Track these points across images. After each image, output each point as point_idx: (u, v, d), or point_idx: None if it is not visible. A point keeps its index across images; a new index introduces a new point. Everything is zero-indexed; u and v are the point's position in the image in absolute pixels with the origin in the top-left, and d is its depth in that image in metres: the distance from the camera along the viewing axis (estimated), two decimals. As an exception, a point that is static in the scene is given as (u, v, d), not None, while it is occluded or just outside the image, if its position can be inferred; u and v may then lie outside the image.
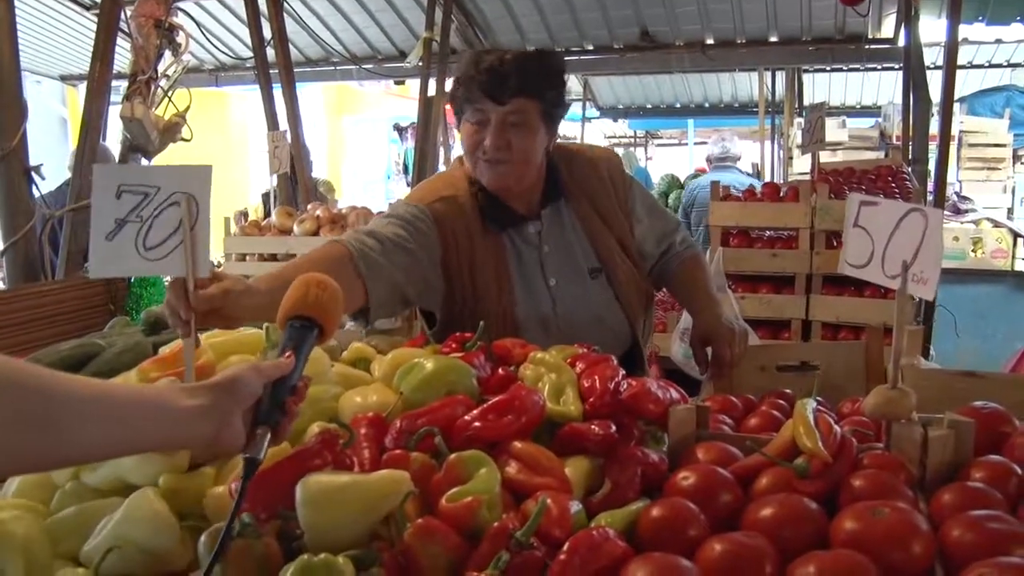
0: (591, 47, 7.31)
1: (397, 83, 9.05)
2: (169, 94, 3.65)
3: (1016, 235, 7.24)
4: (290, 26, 6.20)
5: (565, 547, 1.08)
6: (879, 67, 8.58)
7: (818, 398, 1.44)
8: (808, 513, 1.20)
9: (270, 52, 5.55)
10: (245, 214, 4.70)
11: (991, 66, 9.50)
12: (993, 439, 1.44)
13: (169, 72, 3.74)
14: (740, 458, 1.40)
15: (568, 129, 14.26)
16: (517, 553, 1.08)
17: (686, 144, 15.04)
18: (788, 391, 1.83)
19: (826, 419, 1.35)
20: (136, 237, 1.49)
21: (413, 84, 7.40)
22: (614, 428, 1.39)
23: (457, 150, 13.22)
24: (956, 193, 7.92)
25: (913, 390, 1.40)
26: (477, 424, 1.33)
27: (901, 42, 5.79)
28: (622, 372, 1.54)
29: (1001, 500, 1.23)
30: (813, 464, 1.28)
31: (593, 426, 1.39)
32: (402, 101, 13.12)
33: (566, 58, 7.58)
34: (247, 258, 4.52)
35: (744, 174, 7.06)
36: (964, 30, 6.89)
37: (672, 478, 1.32)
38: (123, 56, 4.04)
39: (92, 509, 1.26)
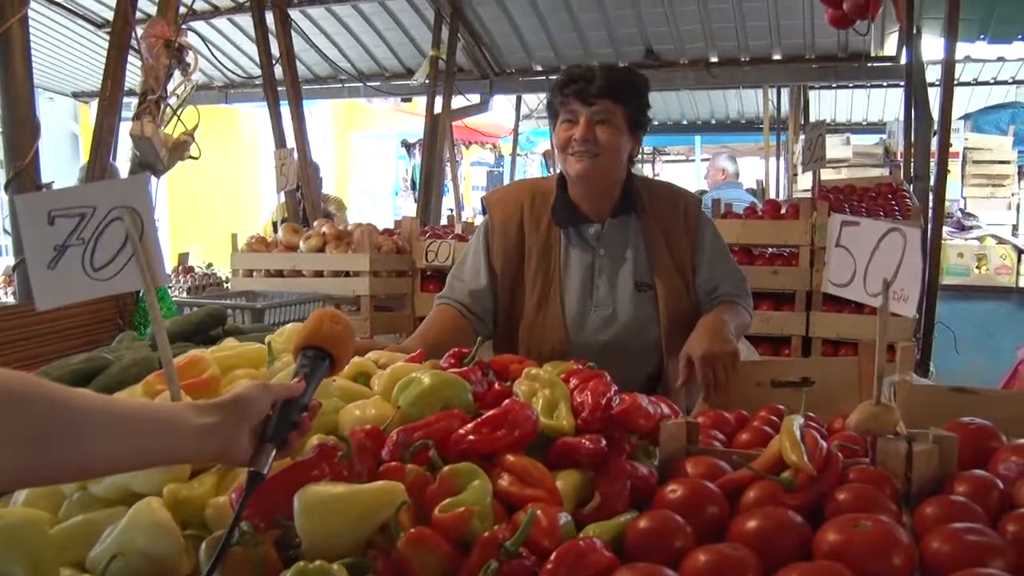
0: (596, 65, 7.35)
1: (404, 100, 9.12)
2: (178, 113, 3.70)
3: (1020, 252, 7.22)
4: (298, 44, 6.28)
5: (552, 556, 1.11)
6: (884, 84, 8.62)
7: (810, 413, 1.47)
8: (792, 525, 1.23)
9: (278, 70, 5.61)
10: (264, 240, 4.75)
11: (996, 83, 9.52)
12: (980, 454, 1.46)
13: (178, 91, 3.80)
14: (729, 472, 1.43)
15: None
16: (506, 562, 1.11)
17: (693, 160, 15.07)
18: (780, 406, 1.85)
19: (812, 434, 1.38)
20: (82, 260, 1.47)
21: (421, 101, 7.46)
22: (605, 442, 1.43)
23: (463, 167, 13.23)
24: (961, 210, 7.92)
25: (905, 406, 1.43)
26: (471, 437, 1.37)
27: (903, 60, 5.83)
28: (614, 388, 1.58)
29: (982, 513, 1.25)
30: (799, 478, 1.32)
31: (584, 440, 1.42)
32: (410, 118, 13.20)
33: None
34: (254, 274, 4.58)
35: (746, 191, 7.19)
36: (966, 48, 6.94)
37: (660, 491, 1.35)
38: (134, 74, 4.11)
39: (98, 518, 1.30)
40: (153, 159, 3.46)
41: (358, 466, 1.32)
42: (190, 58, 3.63)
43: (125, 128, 3.78)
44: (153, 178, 3.90)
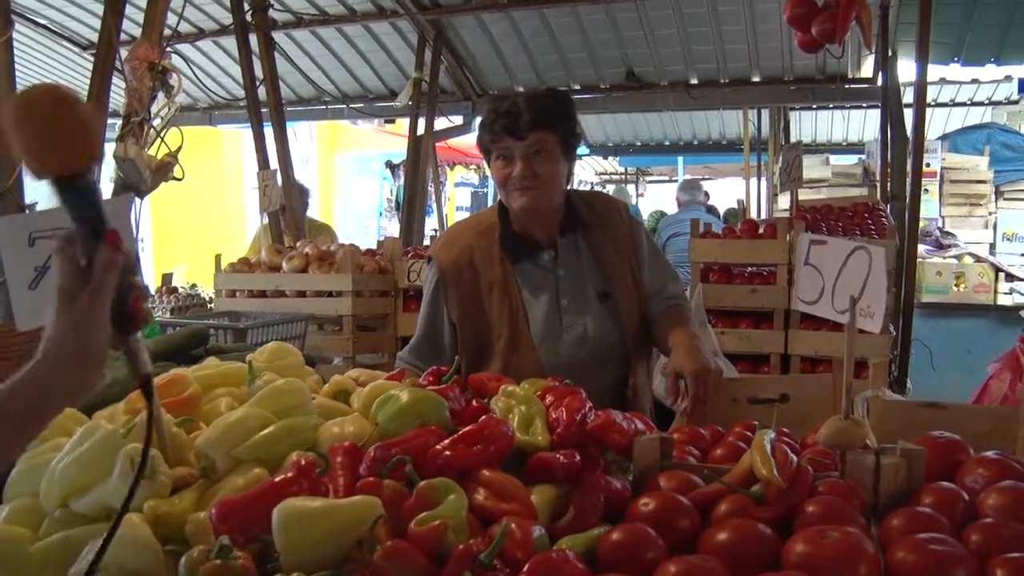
0: (578, 87, 7.43)
1: (388, 122, 9.16)
2: (162, 134, 3.72)
3: (998, 270, 7.30)
4: (282, 66, 6.30)
5: (525, 568, 1.14)
6: (862, 105, 8.72)
7: (784, 429, 1.50)
8: (761, 537, 1.26)
9: (262, 91, 5.64)
10: (247, 261, 4.76)
11: (972, 104, 9.67)
12: (948, 467, 1.49)
13: (162, 113, 3.82)
14: (702, 486, 1.46)
15: (559, 166, 14.38)
16: (480, 574, 1.13)
17: (676, 180, 15.19)
18: (755, 422, 1.87)
19: (783, 448, 1.42)
20: None
21: (405, 122, 7.51)
22: (579, 457, 1.45)
23: (447, 188, 13.26)
24: (939, 229, 8.00)
25: (875, 421, 1.47)
26: (448, 453, 1.39)
27: (879, 82, 5.92)
28: (589, 404, 1.60)
29: (947, 524, 1.28)
30: (769, 491, 1.35)
31: (559, 455, 1.45)
32: (394, 139, 13.23)
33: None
34: (237, 294, 4.59)
35: (707, 214, 7.74)
36: (941, 70, 7.06)
37: (633, 504, 1.37)
38: (119, 95, 4.12)
39: (78, 535, 1.32)
40: (136, 180, 3.48)
41: (336, 482, 1.34)
42: (174, 80, 3.65)
43: (109, 149, 3.80)
44: (137, 199, 3.92)
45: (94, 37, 5.36)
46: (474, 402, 1.70)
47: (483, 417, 1.49)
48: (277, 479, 1.28)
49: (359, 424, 1.57)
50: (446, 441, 1.42)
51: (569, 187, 2.55)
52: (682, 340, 2.38)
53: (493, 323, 2.47)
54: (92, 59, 3.80)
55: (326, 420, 1.61)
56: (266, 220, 6.26)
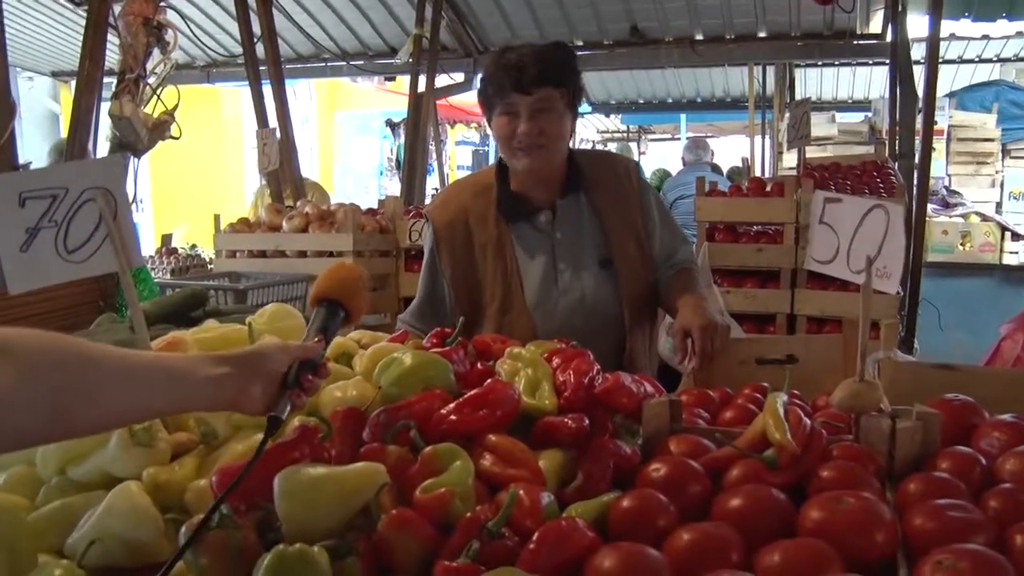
0: (580, 43, 7.32)
1: (388, 79, 9.05)
2: (158, 92, 3.66)
3: (1004, 229, 7.27)
4: (280, 22, 6.21)
5: (534, 537, 1.11)
6: (869, 62, 8.61)
7: (793, 391, 1.46)
8: (775, 503, 1.23)
9: (260, 48, 5.55)
10: (247, 221, 4.72)
11: (980, 61, 9.54)
12: (963, 431, 1.47)
13: (158, 70, 3.75)
14: (712, 450, 1.42)
15: (560, 124, 14.25)
16: (488, 543, 1.10)
17: (679, 139, 15.06)
18: (764, 384, 1.84)
19: (796, 412, 1.38)
20: (55, 242, 1.45)
21: (405, 80, 7.40)
22: (587, 421, 1.42)
23: (448, 147, 13.16)
24: (945, 187, 7.95)
25: (889, 383, 1.43)
26: (453, 418, 1.35)
27: (888, 38, 5.82)
28: (597, 367, 1.57)
29: (964, 490, 1.26)
30: (782, 456, 1.31)
31: (567, 419, 1.41)
32: (395, 97, 13.11)
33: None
34: (237, 254, 4.55)
35: (712, 172, 7.55)
36: (951, 26, 6.94)
37: (643, 470, 1.34)
38: (113, 53, 4.05)
39: (76, 503, 1.29)
40: (133, 139, 3.43)
41: (339, 447, 1.31)
42: (169, 36, 3.59)
43: (105, 108, 3.74)
44: (135, 159, 3.87)
45: (87, -8, 5.27)
46: (479, 365, 1.66)
47: (489, 381, 1.46)
48: (278, 444, 1.25)
49: (361, 388, 1.54)
50: (451, 405, 1.38)
51: (572, 145, 2.48)
52: (688, 300, 2.33)
53: (486, 285, 2.42)
54: (85, 15, 3.72)
55: (327, 384, 1.57)
56: (264, 181, 6.21)
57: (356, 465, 1.22)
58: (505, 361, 1.62)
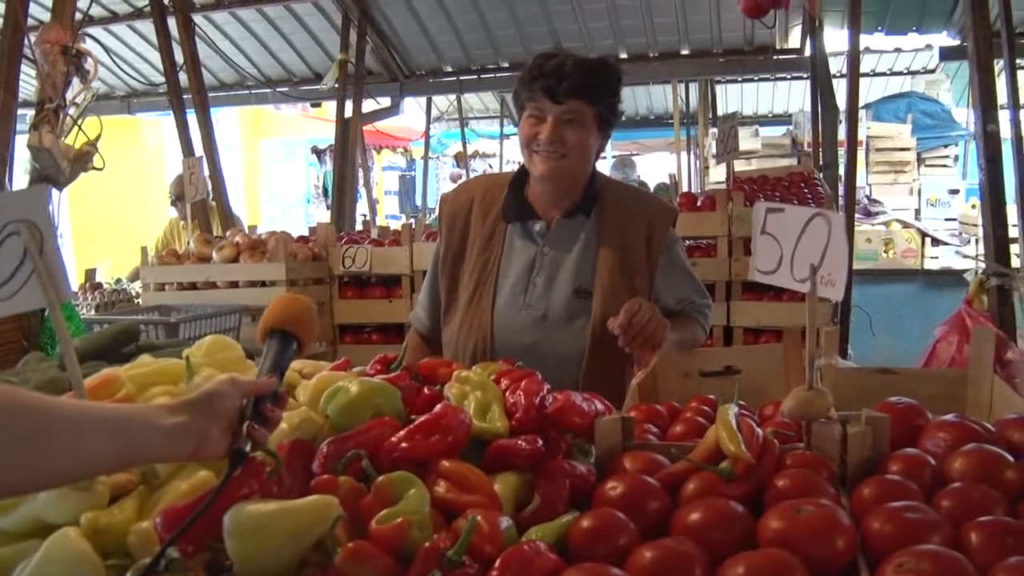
0: (506, 64, 7.36)
1: (314, 106, 8.99)
2: (79, 122, 3.55)
3: (924, 235, 7.50)
4: (203, 50, 6.11)
5: (496, 564, 1.08)
6: (788, 76, 8.84)
7: (740, 402, 1.46)
8: (734, 515, 1.22)
9: (183, 77, 5.46)
10: (175, 252, 4.61)
11: (892, 73, 9.88)
12: (908, 432, 1.48)
13: (78, 100, 3.64)
14: (667, 465, 1.42)
15: (486, 146, 14.32)
16: (449, 572, 1.07)
17: (604, 158, 15.19)
18: (711, 396, 1.85)
19: (748, 422, 1.39)
20: None
21: (330, 106, 7.36)
22: (541, 443, 1.40)
23: (375, 172, 13.08)
24: (867, 196, 8.18)
25: (831, 389, 1.44)
26: (404, 445, 1.32)
27: (807, 52, 5.97)
28: (547, 387, 1.55)
29: (917, 491, 1.27)
30: (737, 467, 1.31)
31: (520, 441, 1.39)
32: (319, 123, 13.04)
33: (481, 76, 7.68)
34: (166, 287, 4.42)
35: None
36: (865, 40, 7.17)
37: (600, 488, 1.33)
38: (29, 83, 3.93)
39: (8, 553, 1.22)
40: (53, 171, 3.31)
41: (288, 481, 1.26)
42: (89, 64, 3.48)
43: (21, 141, 3.62)
44: (55, 191, 3.74)
45: None
46: (425, 390, 1.63)
47: (439, 405, 1.42)
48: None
49: (307, 418, 1.49)
50: (402, 432, 1.34)
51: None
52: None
53: (466, 272, 2.42)
54: (-2, 45, 3.60)
55: (271, 416, 1.52)
56: (174, 213, 6.10)
57: (308, 498, 1.17)
58: (453, 384, 1.59)
